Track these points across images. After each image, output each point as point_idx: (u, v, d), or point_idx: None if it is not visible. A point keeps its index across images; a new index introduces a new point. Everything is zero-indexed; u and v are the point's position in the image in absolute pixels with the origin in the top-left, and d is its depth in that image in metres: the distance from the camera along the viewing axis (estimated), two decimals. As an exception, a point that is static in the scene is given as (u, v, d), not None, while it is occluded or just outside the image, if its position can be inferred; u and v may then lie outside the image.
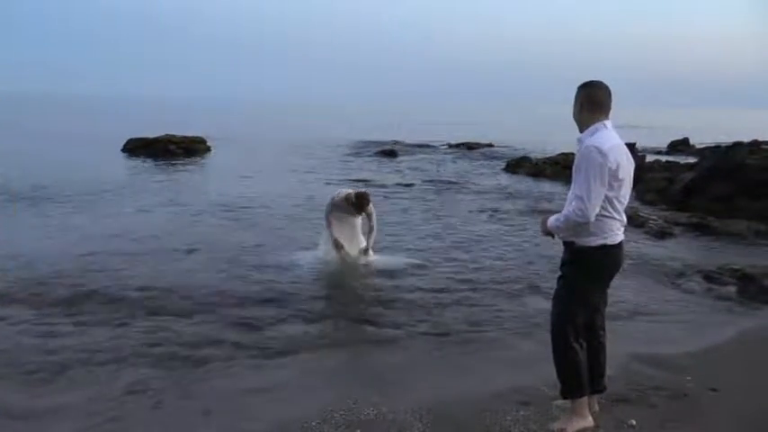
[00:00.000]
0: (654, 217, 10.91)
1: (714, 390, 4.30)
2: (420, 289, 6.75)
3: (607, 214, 3.48)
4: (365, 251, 7.52)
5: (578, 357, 3.64)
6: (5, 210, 10.85)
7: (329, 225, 7.51)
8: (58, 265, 7.19)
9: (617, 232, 3.58)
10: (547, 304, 6.17)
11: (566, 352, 3.65)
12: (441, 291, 6.72)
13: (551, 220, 3.61)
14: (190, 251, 8.12)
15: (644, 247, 9.14)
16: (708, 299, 6.68)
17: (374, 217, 7.56)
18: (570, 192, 3.54)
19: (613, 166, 3.39)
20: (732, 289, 6.91)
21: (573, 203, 3.42)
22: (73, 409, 3.90)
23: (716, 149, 18.82)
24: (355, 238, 7.63)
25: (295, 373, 4.56)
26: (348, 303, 6.42)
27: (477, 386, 4.29)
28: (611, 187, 3.43)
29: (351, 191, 7.53)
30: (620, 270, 3.76)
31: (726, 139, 23.21)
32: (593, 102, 3.55)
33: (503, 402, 4.02)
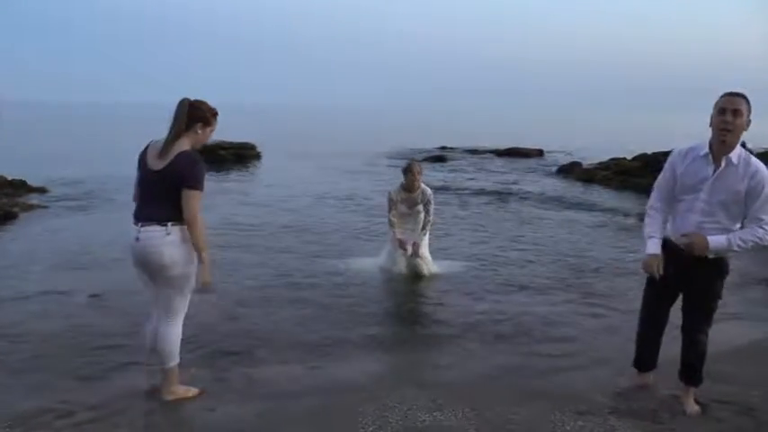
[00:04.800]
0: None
1: (782, 404, 4.14)
2: (475, 294, 6.72)
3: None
4: (417, 244, 7.29)
5: None
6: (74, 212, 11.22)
7: (392, 225, 7.37)
8: (114, 265, 7.38)
9: None
10: (604, 306, 6.18)
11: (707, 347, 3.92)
12: (496, 296, 6.68)
13: (720, 241, 3.64)
14: (245, 253, 8.23)
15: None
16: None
17: (431, 208, 7.38)
18: (713, 207, 3.66)
19: None
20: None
21: (758, 231, 3.59)
22: (129, 410, 3.96)
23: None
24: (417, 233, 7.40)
25: (349, 377, 4.55)
26: (404, 307, 6.45)
27: (534, 394, 4.21)
28: None
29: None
30: None
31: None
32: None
33: (560, 411, 3.93)
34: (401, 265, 7.36)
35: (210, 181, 16.57)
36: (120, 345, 5.05)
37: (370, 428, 3.67)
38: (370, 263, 7.77)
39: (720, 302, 4.00)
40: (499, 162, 24.75)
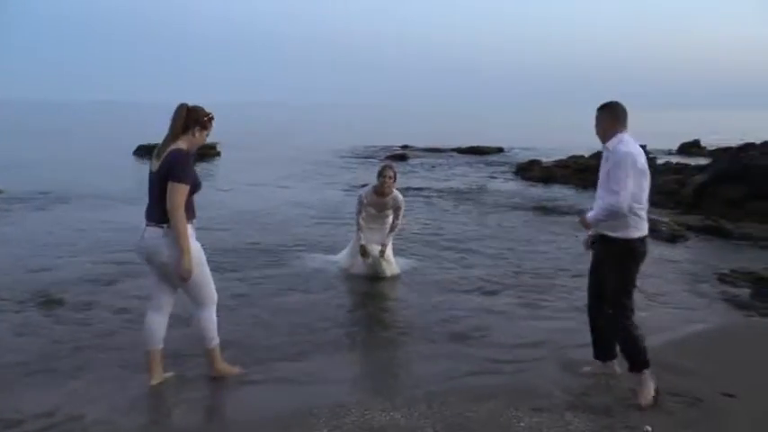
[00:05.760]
0: (665, 220, 10.83)
1: (730, 395, 4.24)
2: (432, 294, 6.73)
3: (638, 209, 4.09)
4: (382, 249, 7.22)
5: (639, 332, 4.21)
6: (20, 212, 10.94)
7: (359, 229, 7.24)
8: (67, 270, 7.24)
9: (645, 226, 4.19)
10: (560, 305, 6.26)
11: (631, 331, 4.19)
12: (452, 296, 6.70)
13: (590, 215, 4.22)
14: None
15: (656, 250, 9.07)
16: (721, 302, 6.62)
17: (402, 213, 7.31)
18: (600, 190, 4.22)
19: (640, 167, 4.07)
20: (746, 292, 6.84)
21: (609, 197, 4.04)
22: (84, 416, 3.89)
23: (727, 151, 18.69)
24: (383, 235, 7.34)
25: (305, 379, 4.52)
26: (360, 309, 6.40)
27: (491, 392, 4.25)
28: (640, 187, 4.09)
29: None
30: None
31: (737, 140, 23.06)
32: (614, 117, 4.25)
33: (516, 409, 3.98)
34: (360, 267, 7.30)
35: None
36: (75, 349, 4.96)
37: (325, 429, 3.66)
38: (329, 261, 7.74)
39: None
40: (459, 160, 24.90)
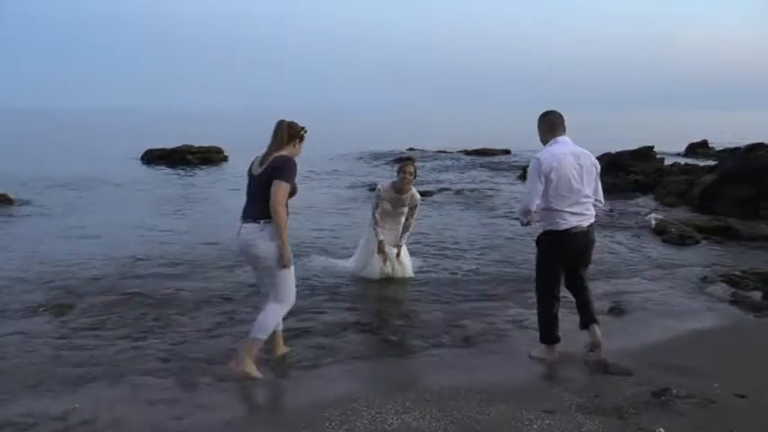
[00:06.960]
0: (674, 221, 10.77)
1: (742, 396, 4.23)
2: (442, 297, 6.72)
3: (553, 207, 4.61)
4: (398, 249, 7.20)
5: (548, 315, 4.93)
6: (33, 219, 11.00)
7: (376, 224, 7.15)
8: (78, 276, 7.28)
9: (565, 221, 4.64)
10: (569, 309, 6.23)
11: (540, 310, 4.99)
12: (463, 298, 6.69)
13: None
14: (212, 257, 8.12)
15: (666, 252, 9.05)
16: (732, 304, 6.57)
17: (417, 212, 7.28)
18: None
19: (546, 169, 4.56)
20: (757, 294, 6.80)
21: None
22: (95, 420, 3.91)
23: (735, 151, 18.57)
24: (395, 233, 7.28)
25: (315, 386, 4.52)
26: (372, 312, 6.36)
27: (502, 394, 4.25)
28: (550, 186, 4.57)
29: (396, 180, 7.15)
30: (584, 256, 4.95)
31: (745, 141, 22.91)
32: (547, 125, 4.80)
33: (527, 411, 3.98)
34: (372, 271, 7.21)
35: (177, 185, 16.55)
36: (86, 354, 5.00)
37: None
38: (337, 265, 7.72)
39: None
40: (466, 162, 24.81)
